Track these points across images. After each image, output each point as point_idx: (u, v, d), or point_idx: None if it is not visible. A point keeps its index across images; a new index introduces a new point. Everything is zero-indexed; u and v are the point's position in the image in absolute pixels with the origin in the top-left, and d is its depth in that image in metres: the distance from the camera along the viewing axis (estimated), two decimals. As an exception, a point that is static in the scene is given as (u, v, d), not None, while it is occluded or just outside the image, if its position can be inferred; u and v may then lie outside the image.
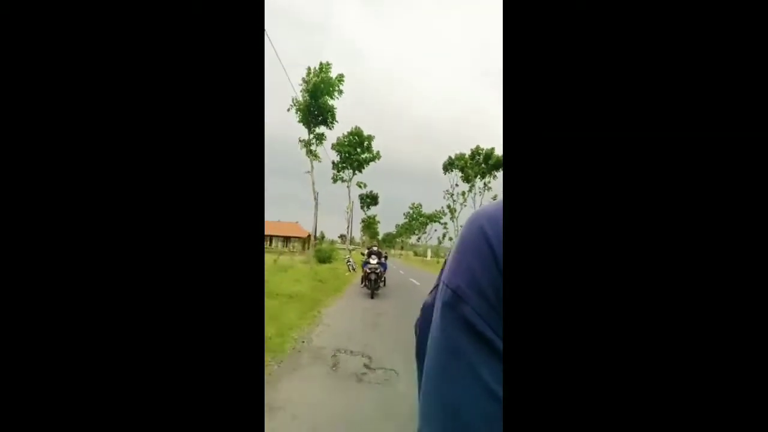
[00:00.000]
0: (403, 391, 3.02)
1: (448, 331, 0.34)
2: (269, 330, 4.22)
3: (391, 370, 3.49)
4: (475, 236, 0.35)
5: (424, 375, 0.36)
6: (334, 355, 3.86)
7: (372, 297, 8.49)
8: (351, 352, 4.02)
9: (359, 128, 20.53)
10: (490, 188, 31.78)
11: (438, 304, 0.36)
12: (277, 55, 9.85)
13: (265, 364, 3.20)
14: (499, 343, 0.31)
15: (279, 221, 42.52)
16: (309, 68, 13.11)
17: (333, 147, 20.58)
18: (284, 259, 15.36)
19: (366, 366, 3.59)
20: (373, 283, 8.80)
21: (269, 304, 5.57)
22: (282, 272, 10.30)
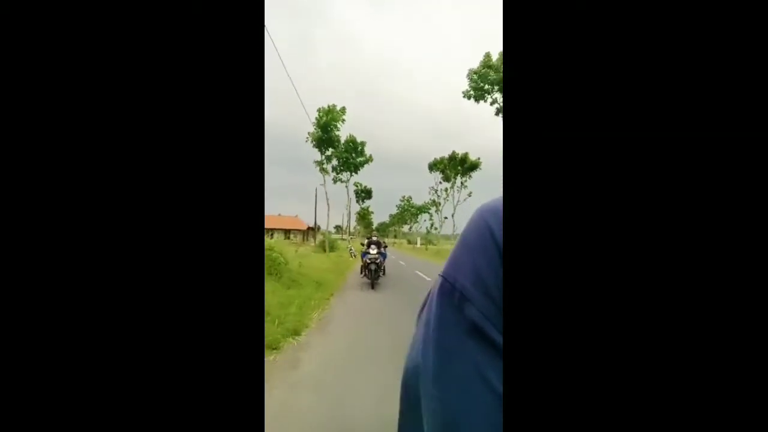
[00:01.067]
0: (390, 295, 8.08)
1: (452, 332, 0.32)
2: (328, 279, 9.31)
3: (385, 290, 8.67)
4: (481, 233, 0.33)
5: (421, 377, 0.34)
6: (360, 287, 8.98)
7: (372, 287, 8.75)
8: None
9: (353, 136, 24.91)
10: (466, 186, 37.95)
11: (438, 301, 0.34)
12: (277, 53, 9.62)
13: (337, 288, 8.27)
14: None
15: (280, 215, 45.15)
16: (319, 109, 17.93)
17: (333, 154, 25.25)
18: (301, 250, 20.18)
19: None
20: (373, 273, 9.16)
21: (319, 274, 10.41)
22: (304, 258, 14.00)
